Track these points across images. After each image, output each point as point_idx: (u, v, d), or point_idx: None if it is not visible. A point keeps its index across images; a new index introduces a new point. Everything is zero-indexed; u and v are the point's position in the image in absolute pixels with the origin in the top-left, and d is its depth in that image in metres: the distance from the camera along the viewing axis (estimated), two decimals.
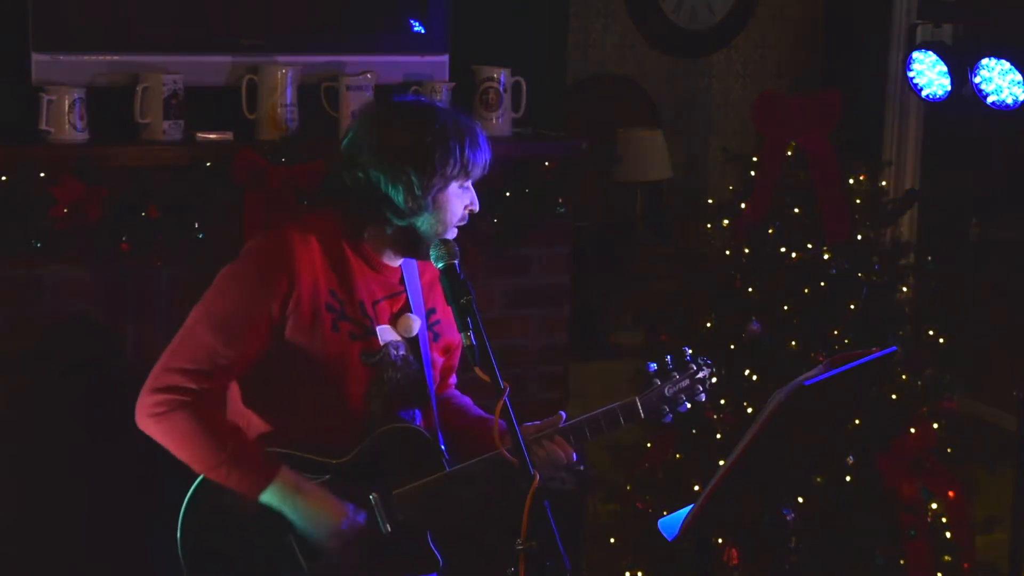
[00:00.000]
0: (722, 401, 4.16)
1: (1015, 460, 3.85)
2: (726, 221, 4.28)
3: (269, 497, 2.82)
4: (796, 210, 4.21)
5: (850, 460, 4.07)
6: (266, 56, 4.02)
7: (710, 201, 4.46)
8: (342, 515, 2.85)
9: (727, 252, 4.26)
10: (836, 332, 4.13)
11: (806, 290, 4.18)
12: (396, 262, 2.95)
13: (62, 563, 3.81)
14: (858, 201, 4.22)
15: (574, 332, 4.66)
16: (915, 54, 4.39)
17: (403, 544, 2.93)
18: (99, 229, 3.75)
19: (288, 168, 3.89)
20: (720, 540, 4.04)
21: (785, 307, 4.17)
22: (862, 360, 2.76)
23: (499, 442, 2.73)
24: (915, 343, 4.23)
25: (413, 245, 2.89)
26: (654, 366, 3.00)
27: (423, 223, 2.85)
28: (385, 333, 2.93)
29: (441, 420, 3.06)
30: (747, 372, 4.15)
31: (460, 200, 2.88)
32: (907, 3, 5.65)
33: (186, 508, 2.87)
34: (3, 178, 3.65)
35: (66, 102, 3.78)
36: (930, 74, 4.35)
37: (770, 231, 4.22)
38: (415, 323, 2.96)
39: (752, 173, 4.23)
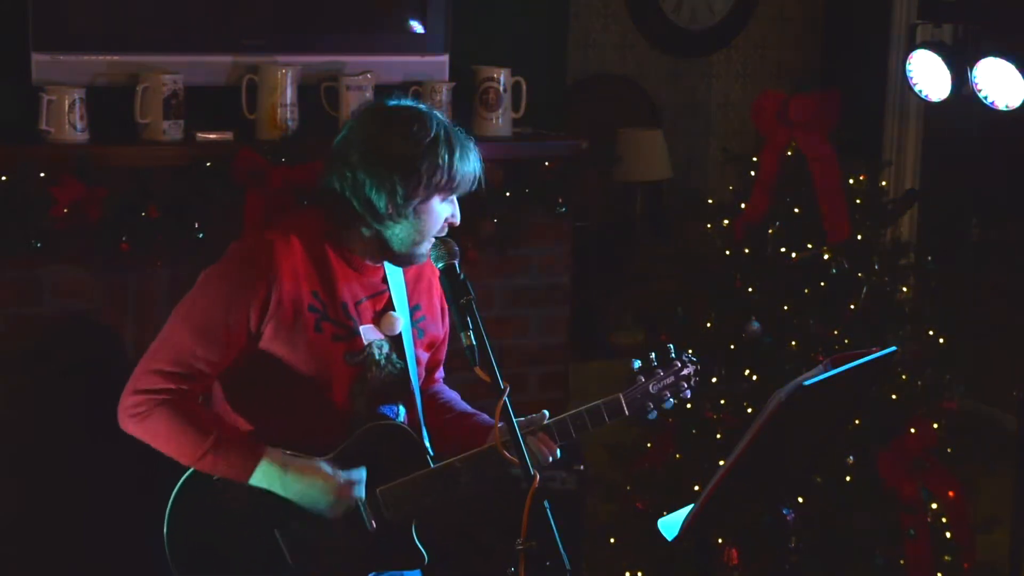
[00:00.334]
0: (722, 401, 4.16)
1: (1015, 460, 3.85)
2: (726, 221, 4.28)
3: (259, 478, 2.83)
4: (796, 210, 4.21)
5: (850, 460, 4.07)
6: (266, 56, 4.02)
7: (710, 201, 4.46)
8: (333, 480, 2.86)
9: (727, 252, 4.26)
10: (836, 332, 4.13)
11: (806, 290, 4.18)
12: (378, 262, 2.96)
13: (62, 563, 3.81)
14: (858, 201, 4.22)
15: (574, 332, 4.66)
16: (915, 54, 4.39)
17: (388, 540, 2.94)
18: (99, 229, 3.75)
19: (288, 168, 3.89)
20: (720, 540, 4.03)
21: (785, 307, 4.17)
22: (862, 360, 2.76)
23: (500, 445, 2.74)
24: (915, 343, 4.23)
25: (390, 251, 2.90)
26: (639, 363, 2.99)
27: (401, 230, 2.86)
28: (368, 332, 2.94)
29: (426, 416, 3.07)
30: (747, 372, 4.15)
31: (442, 212, 2.89)
32: (907, 3, 5.65)
33: (172, 506, 2.89)
34: (3, 178, 3.65)
35: (66, 102, 3.78)
36: (930, 74, 4.35)
37: (770, 231, 4.22)
38: (398, 322, 2.96)
39: (752, 173, 4.23)
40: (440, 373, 3.20)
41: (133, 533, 3.11)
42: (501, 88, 4.29)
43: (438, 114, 2.90)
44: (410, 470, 2.93)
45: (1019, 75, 4.08)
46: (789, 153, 4.19)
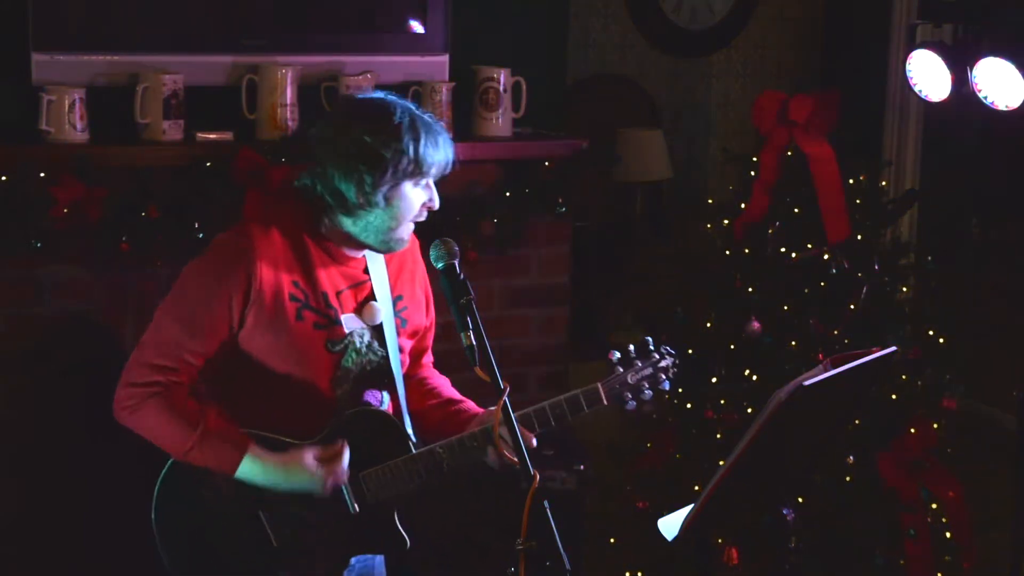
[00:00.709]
0: (722, 401, 4.17)
1: (1015, 460, 3.85)
2: (726, 221, 4.28)
3: (246, 469, 2.90)
4: (796, 210, 4.21)
5: (850, 460, 4.07)
6: (266, 56, 4.02)
7: (710, 201, 4.46)
8: (317, 472, 2.92)
9: (727, 252, 4.26)
10: (836, 332, 4.13)
11: (806, 290, 4.18)
12: (359, 253, 3.01)
13: (62, 563, 3.81)
14: (858, 201, 4.22)
15: (574, 332, 4.66)
16: (915, 54, 4.39)
17: (371, 524, 3.00)
18: (99, 229, 3.75)
19: (288, 168, 3.89)
20: (720, 540, 4.04)
21: (785, 307, 4.17)
22: (862, 360, 2.76)
23: (500, 443, 2.75)
24: (915, 343, 4.23)
25: (367, 239, 2.95)
26: (618, 354, 3.03)
27: (375, 219, 2.90)
28: (350, 321, 3.00)
29: (413, 401, 3.14)
30: (747, 372, 4.15)
31: (416, 198, 2.93)
32: (907, 3, 5.64)
33: (159, 492, 2.96)
34: (3, 178, 3.65)
35: (66, 102, 3.78)
36: (930, 74, 4.35)
37: (770, 231, 4.22)
38: (379, 311, 3.02)
39: (752, 173, 4.24)
40: (429, 358, 3.27)
41: (133, 533, 3.12)
42: (501, 88, 4.29)
43: (405, 103, 2.94)
44: (392, 455, 2.99)
45: (1019, 75, 4.08)
46: (789, 153, 4.19)
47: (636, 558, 4.27)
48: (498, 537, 3.77)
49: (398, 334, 3.09)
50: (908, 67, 4.41)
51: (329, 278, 2.98)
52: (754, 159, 4.25)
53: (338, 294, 2.98)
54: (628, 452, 4.33)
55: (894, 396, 4.12)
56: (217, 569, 3.00)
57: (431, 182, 2.95)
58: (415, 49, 4.25)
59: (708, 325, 4.26)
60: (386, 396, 3.09)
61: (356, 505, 2.97)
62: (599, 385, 3.01)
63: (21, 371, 3.75)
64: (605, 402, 3.01)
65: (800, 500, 3.96)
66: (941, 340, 4.23)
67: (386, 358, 3.05)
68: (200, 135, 3.95)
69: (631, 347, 3.04)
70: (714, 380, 4.21)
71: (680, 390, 4.32)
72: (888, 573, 4.12)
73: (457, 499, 4.24)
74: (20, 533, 3.78)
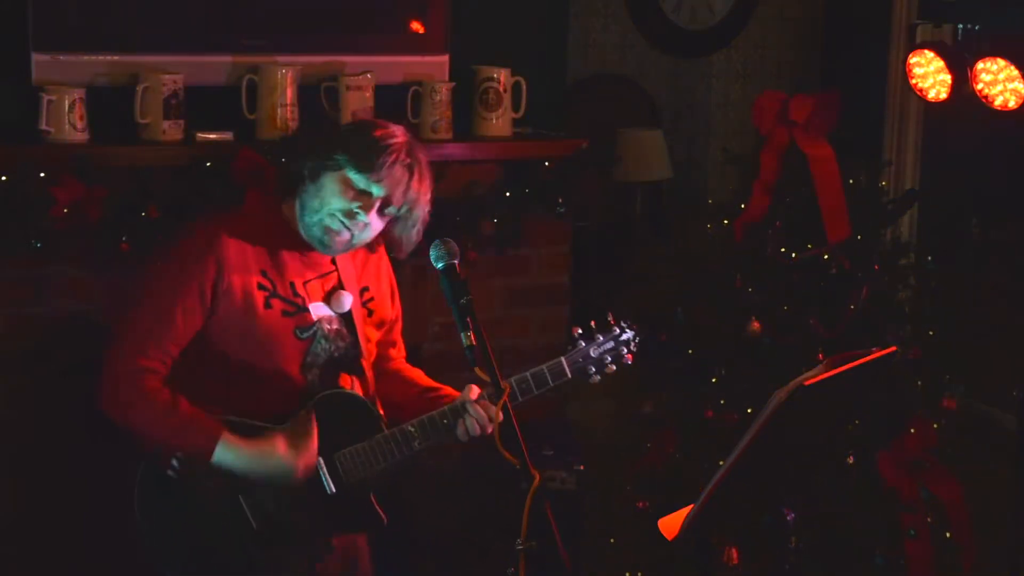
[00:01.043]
0: (722, 401, 4.17)
1: (1015, 460, 3.85)
2: (726, 221, 4.28)
3: (221, 454, 2.98)
4: (796, 210, 4.21)
5: (850, 460, 4.07)
6: (266, 56, 4.01)
7: (710, 201, 4.46)
8: (289, 456, 3.00)
9: (727, 252, 4.26)
10: (836, 332, 4.13)
11: (806, 290, 4.18)
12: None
13: (62, 563, 3.81)
14: (858, 201, 4.22)
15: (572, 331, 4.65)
16: (915, 54, 4.39)
17: (348, 503, 3.09)
18: (99, 229, 3.75)
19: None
20: (720, 540, 4.03)
21: (785, 307, 4.17)
22: (862, 360, 2.76)
23: (500, 444, 2.76)
24: (915, 343, 4.23)
25: (302, 225, 3.05)
26: (580, 330, 3.17)
27: (307, 195, 3.02)
28: (318, 309, 3.12)
29: (392, 393, 3.26)
30: (747, 372, 4.15)
31: (341, 191, 3.01)
32: (907, 3, 5.64)
33: (139, 489, 3.06)
34: (3, 178, 3.64)
35: (66, 102, 3.78)
36: (930, 74, 4.35)
37: (770, 231, 4.22)
38: (346, 299, 3.15)
39: (752, 173, 4.23)
40: (400, 352, 3.40)
41: (133, 533, 3.13)
42: (501, 88, 4.29)
43: (407, 137, 3.09)
44: (365, 436, 3.09)
45: (1019, 75, 4.07)
46: (789, 153, 4.19)
47: (636, 558, 4.27)
48: (498, 537, 3.77)
49: (365, 323, 3.21)
50: (908, 67, 4.41)
51: (296, 268, 3.10)
52: (754, 159, 4.25)
53: (305, 283, 3.11)
54: (628, 452, 4.33)
55: (894, 396, 4.12)
56: (200, 556, 3.06)
57: (375, 199, 3.02)
58: (415, 49, 4.25)
59: (708, 325, 4.26)
60: (357, 381, 3.18)
61: (332, 485, 3.05)
62: (563, 359, 3.15)
63: (21, 371, 3.75)
64: (569, 375, 3.15)
65: (800, 500, 3.96)
66: (941, 340, 4.23)
67: (354, 344, 3.16)
68: (200, 135, 3.95)
69: (592, 323, 3.18)
70: (714, 380, 4.21)
71: (680, 390, 4.32)
72: (888, 573, 4.11)
73: (457, 499, 4.24)
74: (20, 533, 3.78)
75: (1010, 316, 5.60)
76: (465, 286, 2.80)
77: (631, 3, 6.18)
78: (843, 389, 2.83)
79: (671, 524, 2.83)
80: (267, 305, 3.05)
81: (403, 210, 3.07)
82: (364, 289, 3.23)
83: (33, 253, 3.70)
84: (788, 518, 3.89)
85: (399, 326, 3.38)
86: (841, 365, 2.74)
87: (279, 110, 3.98)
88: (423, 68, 4.24)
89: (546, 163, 4.27)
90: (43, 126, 3.77)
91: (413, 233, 3.15)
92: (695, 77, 6.37)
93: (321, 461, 3.05)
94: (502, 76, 4.29)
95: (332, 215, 3.03)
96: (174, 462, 3.00)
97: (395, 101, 4.10)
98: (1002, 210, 6.07)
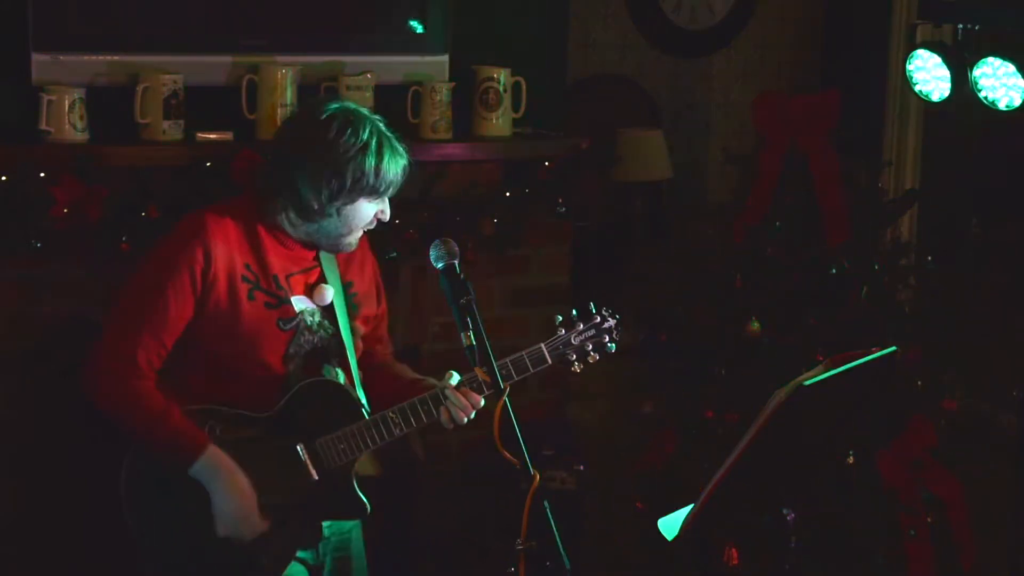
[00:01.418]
0: (722, 401, 4.16)
1: (1015, 460, 3.85)
2: (726, 221, 4.28)
3: (198, 470, 3.03)
4: (796, 210, 4.21)
5: (850, 460, 4.07)
6: (266, 56, 4.01)
7: (710, 201, 4.46)
8: (250, 503, 3.05)
9: (727, 252, 4.26)
10: (836, 332, 4.13)
11: (806, 290, 4.18)
12: (310, 249, 3.19)
13: (62, 563, 3.81)
14: (858, 201, 4.22)
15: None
16: (915, 54, 4.39)
17: (331, 491, 3.12)
18: (99, 229, 3.75)
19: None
20: (720, 540, 4.04)
21: (785, 307, 4.17)
22: (862, 360, 2.76)
23: (499, 443, 2.77)
24: (915, 343, 4.23)
25: (319, 241, 3.14)
26: (560, 317, 3.17)
27: (328, 224, 3.09)
28: (300, 302, 3.16)
29: (380, 387, 3.28)
30: (747, 372, 4.15)
31: (369, 211, 3.11)
32: (907, 3, 5.64)
33: (125, 485, 3.10)
34: (3, 178, 3.64)
35: (66, 102, 3.78)
36: (930, 74, 4.35)
37: (770, 231, 4.22)
38: (328, 292, 3.18)
39: (752, 173, 4.23)
40: (388, 348, 3.42)
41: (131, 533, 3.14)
42: (501, 88, 4.28)
43: (372, 118, 3.10)
44: (346, 423, 3.12)
45: (1019, 75, 4.08)
46: (789, 153, 4.19)
47: (636, 558, 4.27)
48: (498, 537, 3.77)
49: (350, 317, 3.24)
50: (908, 67, 4.41)
51: (279, 262, 3.13)
52: (754, 159, 4.25)
53: (288, 277, 3.14)
54: (628, 452, 4.33)
55: (894, 396, 4.12)
56: (188, 544, 3.10)
57: (385, 202, 3.12)
58: (415, 49, 4.25)
59: (708, 325, 4.26)
60: (340, 373, 3.21)
61: (316, 473, 3.08)
62: (542, 345, 3.15)
63: (21, 371, 3.75)
64: (549, 361, 3.15)
65: (800, 500, 3.96)
66: (941, 340, 4.23)
67: (336, 336, 3.20)
68: (200, 135, 3.95)
69: (573, 311, 3.19)
70: (714, 380, 4.21)
71: (680, 390, 4.32)
72: (888, 573, 4.12)
73: (457, 499, 4.24)
74: (20, 533, 3.78)
75: (1010, 316, 5.60)
76: (465, 286, 2.81)
77: (631, 3, 6.18)
78: (843, 389, 2.82)
79: (671, 524, 2.83)
80: (251, 297, 3.09)
81: None
82: (348, 284, 3.26)
83: (33, 253, 3.70)
84: (788, 518, 3.89)
85: (385, 323, 3.41)
86: (841, 365, 2.74)
87: (279, 110, 3.98)
88: (423, 68, 4.23)
89: (546, 163, 4.27)
90: (43, 126, 3.77)
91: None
92: (695, 77, 6.37)
93: (304, 448, 3.10)
94: (502, 76, 4.29)
95: (362, 228, 3.14)
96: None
97: (395, 101, 4.10)
98: (1002, 210, 6.07)
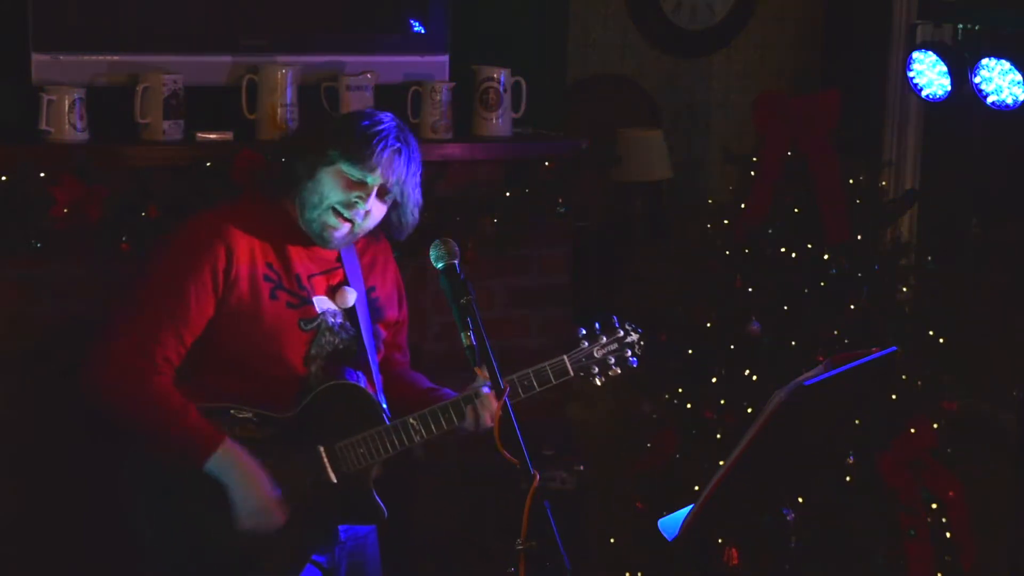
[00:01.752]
0: (722, 401, 4.16)
1: (1015, 460, 3.85)
2: (726, 221, 4.28)
3: (213, 465, 2.99)
4: (796, 210, 4.21)
5: (850, 460, 4.07)
6: (266, 56, 4.01)
7: (710, 201, 4.47)
8: (270, 494, 3.02)
9: (727, 252, 4.26)
10: (836, 332, 4.13)
11: (806, 290, 4.18)
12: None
13: (62, 563, 3.81)
14: (858, 201, 4.22)
15: (574, 332, 4.65)
16: (915, 54, 4.39)
17: (349, 494, 3.10)
18: (99, 229, 3.75)
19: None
20: (720, 540, 4.03)
21: (785, 307, 4.17)
22: (862, 360, 2.76)
23: (499, 443, 2.77)
24: (915, 343, 4.23)
25: (306, 226, 3.08)
26: (583, 330, 3.18)
27: (305, 192, 3.05)
28: (322, 303, 3.14)
29: (394, 394, 3.26)
30: (747, 372, 4.15)
31: (339, 185, 3.04)
32: (907, 3, 5.64)
33: (132, 489, 3.08)
34: (3, 178, 3.64)
35: (66, 102, 3.78)
36: (930, 74, 4.35)
37: (770, 231, 4.22)
38: (351, 295, 3.17)
39: (752, 173, 4.23)
40: (405, 356, 3.41)
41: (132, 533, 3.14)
42: (501, 88, 4.29)
43: (401, 123, 3.12)
44: (367, 427, 3.10)
45: (1019, 75, 4.08)
46: (789, 153, 4.19)
47: (636, 558, 4.27)
48: (498, 537, 3.77)
49: (371, 320, 3.23)
50: (908, 67, 4.41)
51: (302, 262, 3.12)
52: (754, 159, 4.25)
53: (310, 277, 3.13)
54: (628, 452, 4.32)
55: (894, 396, 4.12)
56: (189, 545, 3.07)
57: (372, 187, 3.05)
58: (415, 49, 4.25)
59: (708, 325, 4.26)
60: (362, 375, 3.20)
61: (335, 476, 3.07)
62: (565, 358, 3.16)
63: (21, 371, 3.75)
64: (571, 374, 3.16)
65: (800, 500, 3.96)
66: (941, 340, 4.23)
67: (357, 339, 3.18)
68: (200, 135, 3.95)
69: (596, 324, 3.20)
70: (714, 380, 4.21)
71: (680, 390, 4.32)
72: (888, 573, 4.11)
73: (457, 499, 4.25)
74: (20, 533, 3.78)
75: (1010, 316, 5.60)
76: (465, 286, 2.81)
77: (631, 3, 6.18)
78: (843, 389, 2.83)
79: (671, 524, 2.83)
80: (273, 296, 3.06)
81: (398, 192, 3.09)
82: (371, 288, 3.25)
83: (33, 253, 3.70)
84: (788, 518, 3.89)
85: (405, 330, 3.39)
86: (841, 365, 2.74)
87: (279, 110, 3.98)
88: (423, 68, 4.23)
89: (546, 163, 4.27)
90: (43, 126, 3.77)
91: (410, 215, 3.18)
92: (695, 77, 6.37)
93: (324, 451, 3.07)
94: (502, 76, 4.29)
95: (333, 208, 3.05)
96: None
97: (395, 101, 4.10)
98: (1002, 210, 6.07)
